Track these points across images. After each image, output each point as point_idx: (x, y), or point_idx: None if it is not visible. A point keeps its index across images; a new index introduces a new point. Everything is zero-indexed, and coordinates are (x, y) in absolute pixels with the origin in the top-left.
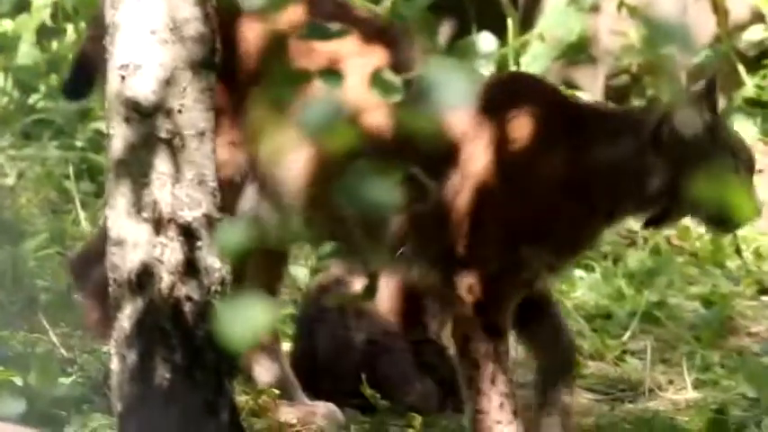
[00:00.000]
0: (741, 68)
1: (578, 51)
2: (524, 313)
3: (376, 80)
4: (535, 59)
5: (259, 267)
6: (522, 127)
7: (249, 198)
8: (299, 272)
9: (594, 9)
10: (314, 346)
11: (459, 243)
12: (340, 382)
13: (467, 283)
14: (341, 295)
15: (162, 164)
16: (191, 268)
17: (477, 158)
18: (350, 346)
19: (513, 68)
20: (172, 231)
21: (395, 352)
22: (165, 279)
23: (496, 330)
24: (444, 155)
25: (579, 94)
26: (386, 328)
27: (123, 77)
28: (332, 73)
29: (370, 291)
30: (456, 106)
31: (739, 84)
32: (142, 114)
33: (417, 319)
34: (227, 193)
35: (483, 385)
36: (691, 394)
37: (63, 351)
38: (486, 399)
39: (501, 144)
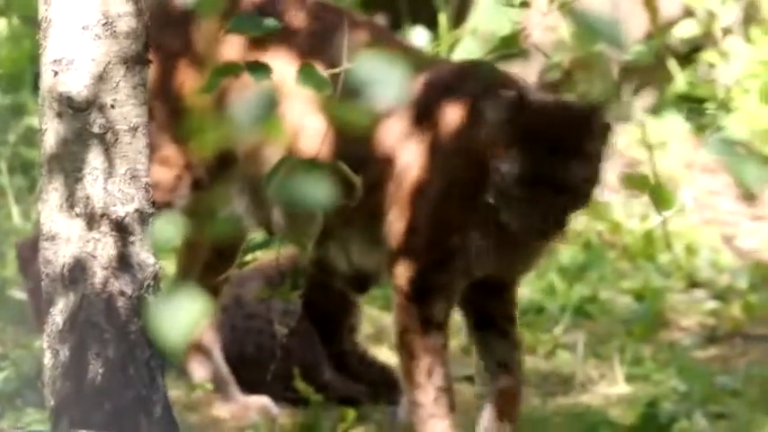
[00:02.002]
0: (672, 64)
1: (510, 46)
2: (481, 322)
3: (304, 74)
4: (467, 54)
5: (208, 265)
6: (454, 115)
7: (236, 198)
8: None
9: (525, 4)
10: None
11: (395, 233)
12: (257, 372)
13: (404, 275)
14: (265, 289)
15: (95, 159)
16: (124, 263)
17: (415, 148)
18: (255, 335)
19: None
20: (105, 226)
21: (301, 333)
22: (98, 274)
23: (434, 323)
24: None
25: None
26: (286, 308)
27: (56, 72)
28: (260, 66)
29: (295, 285)
30: (389, 101)
31: (670, 79)
32: (75, 109)
33: (333, 334)
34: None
35: (419, 378)
36: (622, 388)
37: None
38: (422, 392)
39: (437, 133)
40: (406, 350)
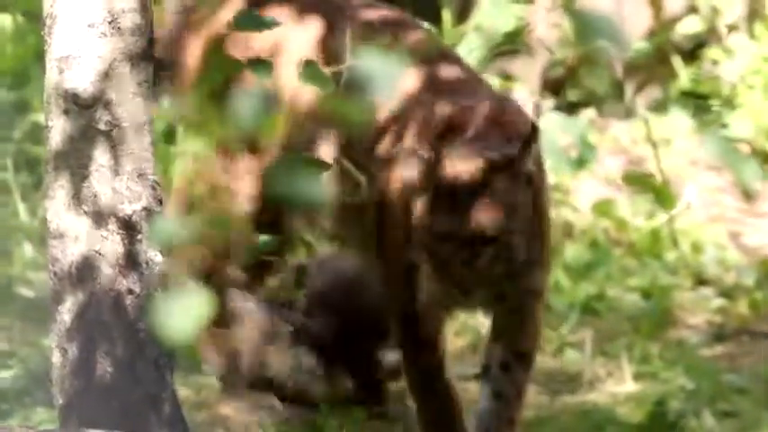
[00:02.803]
0: (676, 61)
1: (514, 42)
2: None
3: (306, 71)
4: (471, 51)
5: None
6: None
7: None
8: None
9: (530, 0)
10: None
11: (385, 242)
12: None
13: (390, 296)
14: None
15: (101, 156)
16: (131, 261)
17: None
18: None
19: None
20: (112, 224)
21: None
22: (106, 272)
23: (422, 342)
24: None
25: (516, 85)
26: (291, 307)
27: (62, 69)
28: (262, 63)
29: (299, 283)
30: (384, 96)
31: (674, 76)
32: (81, 106)
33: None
34: None
35: (417, 389)
36: (630, 386)
37: (4, 344)
38: (422, 400)
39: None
40: (405, 364)
